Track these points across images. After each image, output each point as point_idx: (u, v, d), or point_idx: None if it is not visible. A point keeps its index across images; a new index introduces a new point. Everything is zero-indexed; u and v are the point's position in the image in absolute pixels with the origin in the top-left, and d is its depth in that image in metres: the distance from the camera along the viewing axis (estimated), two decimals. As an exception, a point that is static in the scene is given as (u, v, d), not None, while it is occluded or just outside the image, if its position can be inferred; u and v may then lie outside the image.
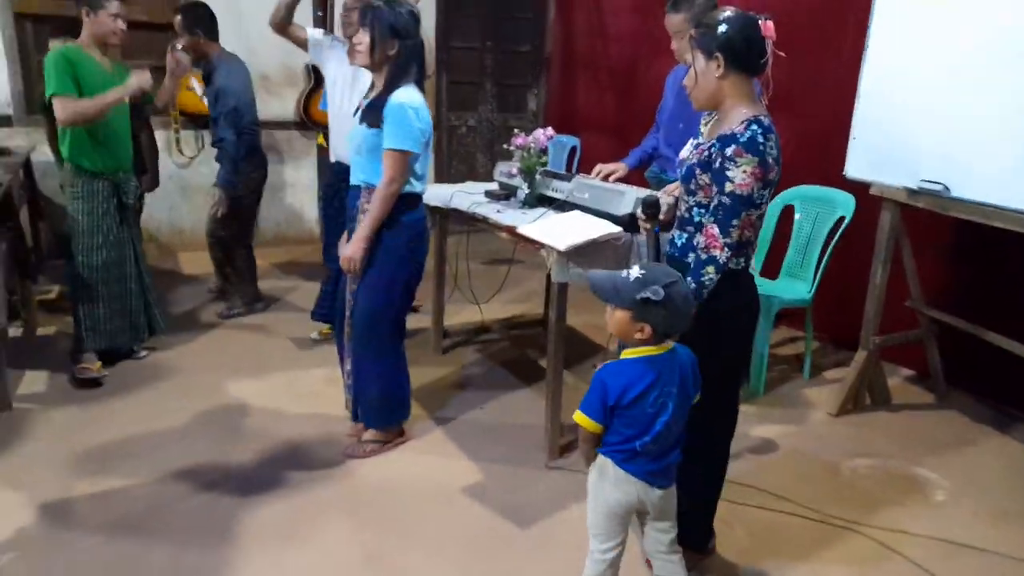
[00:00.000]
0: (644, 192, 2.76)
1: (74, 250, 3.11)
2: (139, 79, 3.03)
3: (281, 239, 5.65)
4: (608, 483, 1.78)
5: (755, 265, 2.86)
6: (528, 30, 6.42)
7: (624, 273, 1.72)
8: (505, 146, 3.14)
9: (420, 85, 2.49)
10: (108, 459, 2.61)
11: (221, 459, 2.65)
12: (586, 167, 3.23)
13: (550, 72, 6.36)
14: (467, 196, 3.18)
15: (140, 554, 2.14)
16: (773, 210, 3.64)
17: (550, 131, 3.01)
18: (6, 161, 3.93)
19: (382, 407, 2.72)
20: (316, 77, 5.22)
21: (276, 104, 5.37)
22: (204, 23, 3.74)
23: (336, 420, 2.95)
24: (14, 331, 3.64)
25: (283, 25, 3.28)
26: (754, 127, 1.83)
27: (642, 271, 1.69)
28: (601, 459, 1.80)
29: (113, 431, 2.80)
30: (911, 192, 2.87)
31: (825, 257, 3.39)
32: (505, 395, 3.27)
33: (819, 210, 3.50)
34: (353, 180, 2.59)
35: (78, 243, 3.10)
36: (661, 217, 2.07)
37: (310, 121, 5.36)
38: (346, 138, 2.62)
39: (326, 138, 3.69)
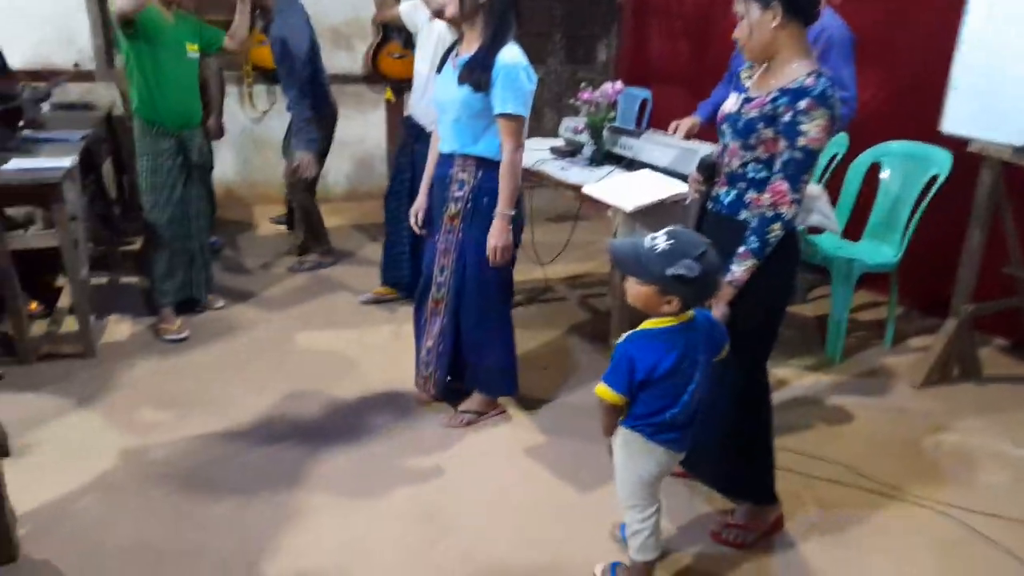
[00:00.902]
0: (715, 147, 2.62)
1: (143, 205, 3.20)
2: None
3: (351, 194, 5.70)
4: (637, 455, 1.75)
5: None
6: (600, -23, 6.17)
7: (648, 241, 1.62)
8: (571, 101, 3.03)
9: (516, 37, 2.31)
10: (183, 409, 2.71)
11: (290, 411, 2.72)
12: (658, 121, 3.10)
13: (622, 21, 6.12)
14: (532, 152, 3.10)
15: (208, 503, 2.22)
16: (858, 168, 3.41)
17: (619, 85, 2.89)
18: (88, 115, 4.08)
19: (495, 375, 2.64)
20: (384, 29, 5.17)
21: (344, 57, 5.35)
22: None
23: (402, 377, 2.95)
24: (99, 280, 3.82)
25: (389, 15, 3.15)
26: (823, 80, 1.75)
27: (670, 240, 1.59)
28: (627, 432, 1.76)
29: (189, 382, 2.90)
30: (1017, 150, 2.62)
31: (915, 218, 3.17)
32: (569, 357, 3.23)
33: (909, 168, 3.26)
34: (444, 148, 2.43)
35: (146, 199, 3.18)
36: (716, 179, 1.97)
37: (378, 74, 5.32)
38: (433, 98, 2.46)
39: (394, 92, 3.63)
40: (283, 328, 3.40)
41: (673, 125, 3.13)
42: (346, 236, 4.74)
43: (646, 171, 2.58)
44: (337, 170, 5.57)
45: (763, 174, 1.84)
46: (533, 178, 2.99)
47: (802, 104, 1.73)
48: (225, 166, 5.14)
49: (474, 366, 2.66)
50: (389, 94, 5.49)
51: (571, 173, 2.75)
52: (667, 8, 5.43)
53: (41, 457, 2.39)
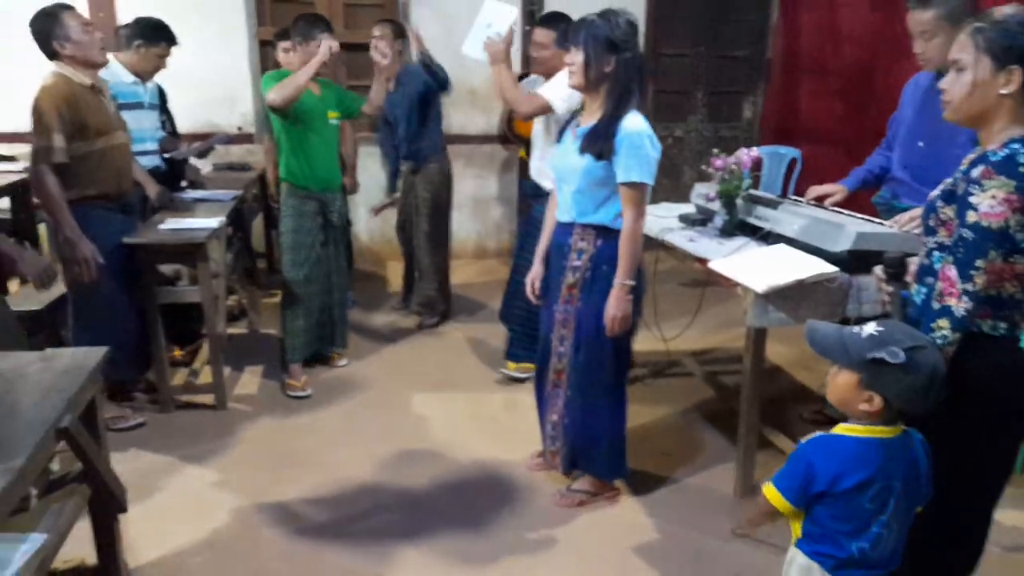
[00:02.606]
0: (867, 223, 2.35)
1: (283, 263, 3.35)
2: (328, 43, 3.11)
3: (480, 251, 5.77)
4: None
5: None
6: (747, 33, 5.96)
7: (856, 328, 1.43)
8: (704, 167, 2.85)
9: (642, 103, 2.24)
10: (298, 469, 2.75)
11: (399, 480, 2.69)
12: (807, 182, 2.83)
13: (770, 77, 5.85)
14: (659, 220, 2.95)
15: (312, 571, 2.20)
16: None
17: (755, 152, 2.68)
18: (244, 175, 4.40)
19: (607, 455, 2.51)
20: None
21: (481, 118, 5.48)
22: (401, 31, 3.94)
23: (512, 452, 2.86)
24: (240, 330, 4.05)
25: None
26: (1015, 145, 1.44)
27: (879, 328, 1.39)
28: (804, 560, 1.50)
29: (307, 441, 2.96)
30: None
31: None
32: (693, 442, 2.98)
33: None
34: (562, 216, 2.38)
35: (286, 257, 3.33)
36: (907, 278, 1.68)
37: (513, 136, 5.40)
38: (552, 168, 2.44)
39: (527, 152, 3.65)
40: (401, 389, 3.41)
41: (813, 191, 2.86)
42: (471, 293, 4.76)
43: (783, 246, 2.34)
44: (468, 228, 5.66)
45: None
46: (660, 247, 2.83)
47: (976, 172, 1.46)
48: (362, 222, 5.37)
49: (584, 442, 2.52)
50: (523, 153, 5.54)
51: (699, 245, 2.57)
52: (822, 65, 5.11)
53: (159, 510, 2.48)
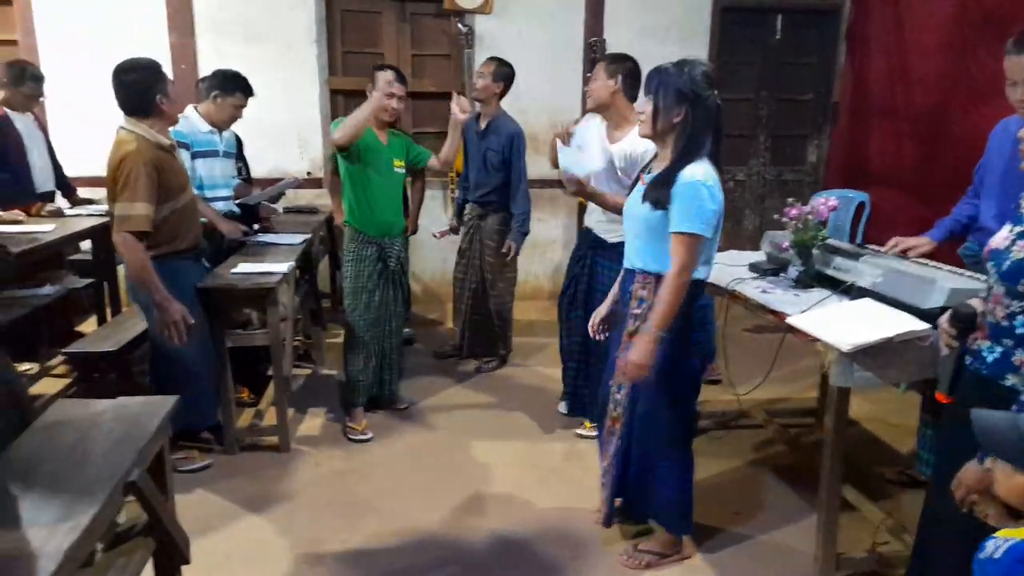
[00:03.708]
0: (959, 276, 2.23)
1: (345, 306, 3.37)
2: (461, 104, 3.21)
3: (539, 293, 5.75)
4: None
5: None
6: (812, 76, 5.88)
7: None
8: (776, 216, 2.77)
9: (716, 156, 2.19)
10: (355, 518, 2.71)
11: (457, 533, 2.63)
12: (875, 228, 2.71)
13: (836, 121, 5.73)
14: (727, 268, 2.87)
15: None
16: None
17: (832, 200, 2.58)
18: (312, 218, 4.49)
19: (669, 512, 2.42)
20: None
21: (542, 162, 5.48)
22: (508, 78, 3.92)
23: (576, 506, 2.78)
24: (304, 371, 4.09)
25: None
26: None
27: None
28: None
29: (366, 487, 2.93)
30: None
31: None
32: (767, 503, 2.84)
33: None
34: (627, 263, 2.36)
35: (347, 301, 3.36)
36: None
37: (573, 179, 5.38)
38: (624, 215, 2.41)
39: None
40: (460, 434, 3.37)
41: (894, 242, 2.73)
42: (531, 336, 4.73)
43: (867, 301, 2.23)
44: (528, 271, 5.65)
45: None
46: (730, 297, 2.75)
47: None
48: (424, 263, 5.41)
49: (647, 498, 2.44)
50: (582, 199, 5.52)
51: (774, 297, 2.47)
52: (892, 107, 4.97)
53: (222, 558, 2.47)
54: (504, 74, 3.89)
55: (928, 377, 2.08)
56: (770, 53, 5.77)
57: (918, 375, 2.08)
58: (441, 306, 5.42)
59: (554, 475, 3.04)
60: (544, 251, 5.72)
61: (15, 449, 1.68)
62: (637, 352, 2.17)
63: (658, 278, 2.23)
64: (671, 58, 2.27)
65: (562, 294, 3.48)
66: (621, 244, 3.05)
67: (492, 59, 3.94)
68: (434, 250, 5.36)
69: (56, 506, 1.44)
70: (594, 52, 5.29)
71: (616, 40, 5.31)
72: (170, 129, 3.01)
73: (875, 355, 2.01)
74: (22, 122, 3.83)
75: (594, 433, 3.24)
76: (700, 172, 2.11)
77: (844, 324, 2.09)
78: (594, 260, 3.21)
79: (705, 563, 2.47)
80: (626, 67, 3.03)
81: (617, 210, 2.88)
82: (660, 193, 2.14)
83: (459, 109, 3.28)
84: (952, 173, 4.37)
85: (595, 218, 3.22)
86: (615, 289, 2.54)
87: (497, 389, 3.93)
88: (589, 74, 3.29)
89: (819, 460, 2.28)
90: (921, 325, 2.02)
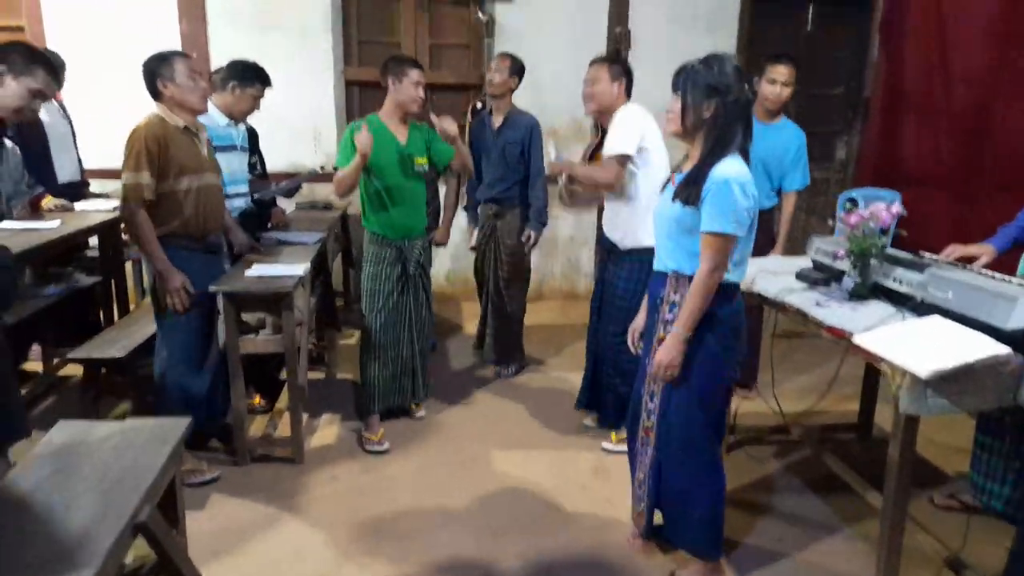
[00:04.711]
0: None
1: (363, 308, 3.22)
2: (445, 124, 3.07)
3: (556, 292, 5.58)
4: None
5: None
6: (842, 71, 5.67)
7: None
8: (830, 221, 2.59)
9: (745, 151, 2.09)
10: (379, 537, 2.56)
11: (484, 555, 2.47)
12: (909, 229, 2.49)
13: (868, 117, 5.52)
14: (771, 276, 2.69)
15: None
16: None
17: (896, 207, 2.40)
18: (327, 215, 4.32)
19: (706, 532, 2.27)
20: (602, 132, 5.06)
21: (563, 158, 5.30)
22: (522, 72, 3.80)
23: (607, 527, 2.62)
24: (317, 375, 3.93)
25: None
26: None
27: None
28: None
29: (383, 503, 2.77)
30: None
31: None
32: (808, 525, 2.67)
33: None
34: (658, 266, 2.24)
35: (364, 302, 3.20)
36: None
37: (595, 175, 5.20)
38: (653, 216, 2.29)
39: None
40: (480, 445, 3.22)
41: (951, 249, 2.55)
42: (548, 337, 4.56)
43: (938, 319, 2.05)
44: (545, 270, 5.48)
45: None
46: (779, 310, 2.57)
47: None
48: (437, 261, 5.25)
49: (677, 516, 2.32)
50: (604, 197, 5.35)
51: (830, 312, 2.29)
52: (929, 103, 4.76)
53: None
54: (519, 68, 3.79)
55: (1008, 405, 1.90)
56: (800, 45, 5.56)
57: (996, 403, 1.90)
58: (458, 306, 5.26)
59: (583, 493, 2.87)
60: (564, 249, 5.56)
61: (12, 484, 1.52)
62: (665, 351, 2.12)
63: (690, 280, 2.11)
64: (699, 49, 2.21)
65: (592, 298, 3.35)
66: (632, 252, 2.94)
67: (505, 54, 3.83)
68: (449, 248, 5.20)
69: (56, 553, 1.28)
70: (618, 43, 5.09)
71: (642, 30, 5.12)
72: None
73: (952, 381, 1.83)
74: (46, 111, 3.67)
75: (621, 448, 3.11)
76: (732, 169, 2.02)
77: (916, 345, 1.91)
78: (607, 266, 3.15)
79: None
80: (624, 68, 3.05)
81: (608, 185, 2.95)
82: (691, 190, 2.06)
83: (446, 125, 3.08)
84: (996, 174, 4.18)
85: (605, 221, 3.13)
86: (646, 300, 2.39)
87: (515, 396, 3.77)
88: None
89: (861, 475, 2.10)
90: (1003, 348, 1.85)
